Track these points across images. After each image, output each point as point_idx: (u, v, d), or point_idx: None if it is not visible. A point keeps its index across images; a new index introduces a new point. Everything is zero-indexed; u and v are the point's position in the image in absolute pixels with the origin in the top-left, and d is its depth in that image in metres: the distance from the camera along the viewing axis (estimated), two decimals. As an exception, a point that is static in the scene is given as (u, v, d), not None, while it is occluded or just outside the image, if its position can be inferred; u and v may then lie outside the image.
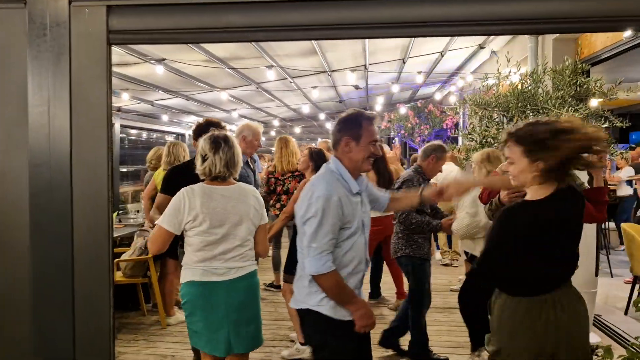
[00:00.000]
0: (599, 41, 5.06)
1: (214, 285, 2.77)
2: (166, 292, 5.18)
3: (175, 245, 5.20)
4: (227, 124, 12.69)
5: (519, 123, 2.40)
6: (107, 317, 1.68)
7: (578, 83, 4.86)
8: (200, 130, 3.53)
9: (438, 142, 4.57)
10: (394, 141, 13.17)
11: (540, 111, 4.65)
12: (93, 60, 1.66)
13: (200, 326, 2.79)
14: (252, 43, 5.52)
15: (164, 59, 5.26)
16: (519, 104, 4.69)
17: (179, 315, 5.12)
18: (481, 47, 7.63)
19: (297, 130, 13.41)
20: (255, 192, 3.05)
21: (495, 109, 4.89)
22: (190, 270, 2.81)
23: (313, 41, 5.81)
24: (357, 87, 8.55)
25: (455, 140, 11.32)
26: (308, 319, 2.47)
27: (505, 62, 5.86)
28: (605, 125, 4.85)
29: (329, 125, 13.28)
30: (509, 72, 5.39)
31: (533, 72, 5.00)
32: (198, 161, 2.83)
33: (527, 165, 2.16)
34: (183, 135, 11.79)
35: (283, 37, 1.77)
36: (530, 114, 4.80)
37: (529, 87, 4.88)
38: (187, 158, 5.15)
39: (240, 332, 2.84)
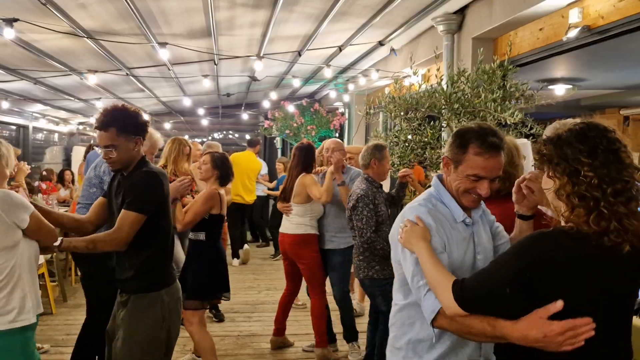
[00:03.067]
0: (525, 43, 4.78)
1: None
2: None
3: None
4: (82, 115, 10.90)
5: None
6: None
7: (508, 86, 4.52)
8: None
9: (373, 142, 4.02)
10: (275, 141, 12.39)
11: (478, 115, 4.20)
12: None
13: None
14: (136, 15, 4.36)
15: (15, 19, 3.85)
16: (456, 106, 4.20)
17: None
18: (381, 43, 7.15)
19: (168, 126, 11.97)
20: None
21: (428, 110, 4.35)
22: None
23: (211, 20, 4.80)
24: (254, 79, 7.61)
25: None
26: None
27: (410, 60, 5.42)
28: (533, 131, 4.58)
29: (205, 122, 12.07)
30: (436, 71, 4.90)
31: (462, 71, 4.56)
32: None
33: None
34: (26, 127, 9.82)
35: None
36: (463, 117, 4.34)
37: (461, 88, 4.42)
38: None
39: None
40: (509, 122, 3.98)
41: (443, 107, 4.27)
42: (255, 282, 7.20)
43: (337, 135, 9.94)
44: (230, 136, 14.78)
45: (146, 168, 2.62)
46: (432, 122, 4.48)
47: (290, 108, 9.61)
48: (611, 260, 1.51)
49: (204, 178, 3.89)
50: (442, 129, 4.54)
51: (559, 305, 1.46)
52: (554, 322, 1.45)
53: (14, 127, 9.60)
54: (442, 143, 4.65)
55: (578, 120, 1.63)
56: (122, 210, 2.49)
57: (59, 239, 2.45)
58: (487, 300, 1.57)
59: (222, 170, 3.88)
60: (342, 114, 10.24)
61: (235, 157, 8.03)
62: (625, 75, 7.92)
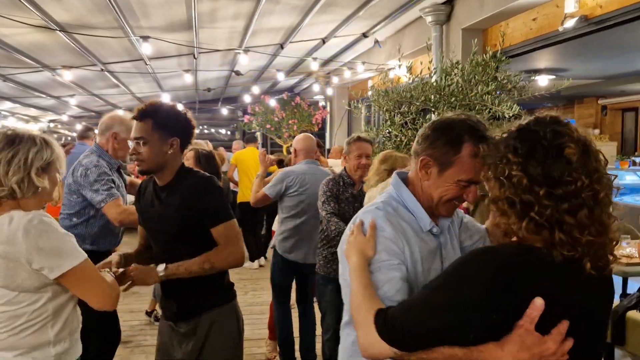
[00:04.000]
0: (517, 33, 4.70)
1: None
2: None
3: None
4: (54, 112, 10.53)
5: None
6: None
7: (501, 78, 4.43)
8: None
9: (353, 134, 3.77)
10: (255, 136, 12.15)
11: (474, 108, 4.10)
12: None
13: None
14: (114, 6, 4.12)
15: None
16: (451, 99, 4.08)
17: None
18: (365, 35, 7.02)
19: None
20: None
21: (422, 104, 4.23)
22: None
23: (193, 12, 4.58)
24: (237, 73, 7.39)
25: (322, 137, 10.72)
26: None
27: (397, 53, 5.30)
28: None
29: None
30: (431, 63, 4.79)
31: (456, 63, 4.45)
32: None
33: None
34: (-6, 126, 9.39)
35: None
36: (458, 110, 4.24)
37: (455, 80, 4.31)
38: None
39: None
40: (506, 116, 3.88)
41: (437, 100, 4.15)
42: (241, 283, 7.00)
43: (317, 129, 9.78)
44: (206, 131, 14.50)
45: (200, 174, 2.27)
46: (426, 116, 4.37)
47: (271, 102, 9.40)
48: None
49: None
50: (435, 122, 4.44)
51: (538, 303, 1.16)
52: (547, 339, 1.17)
53: (-19, 126, 9.20)
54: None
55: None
56: (214, 227, 2.16)
57: (163, 265, 2.08)
58: (428, 334, 1.24)
59: (207, 169, 3.54)
60: (324, 107, 10.09)
61: (240, 154, 7.40)
62: (606, 66, 7.96)
